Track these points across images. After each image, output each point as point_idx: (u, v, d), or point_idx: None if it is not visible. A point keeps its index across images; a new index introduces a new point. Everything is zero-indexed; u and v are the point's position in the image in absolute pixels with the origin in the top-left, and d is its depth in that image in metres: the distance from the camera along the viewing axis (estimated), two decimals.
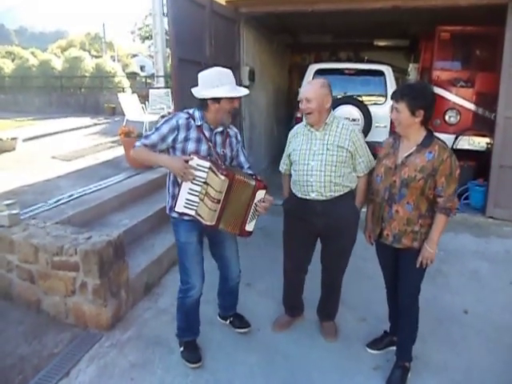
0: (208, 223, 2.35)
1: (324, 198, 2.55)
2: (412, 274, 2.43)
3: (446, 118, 5.38)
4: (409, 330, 2.50)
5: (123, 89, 14.64)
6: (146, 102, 9.28)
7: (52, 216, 3.47)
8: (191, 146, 2.38)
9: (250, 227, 2.46)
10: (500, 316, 3.20)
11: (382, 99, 5.96)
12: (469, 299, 3.41)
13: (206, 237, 2.68)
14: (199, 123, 2.41)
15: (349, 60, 9.30)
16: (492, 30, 5.34)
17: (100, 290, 2.75)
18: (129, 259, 3.17)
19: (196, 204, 2.34)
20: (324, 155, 2.52)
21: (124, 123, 8.06)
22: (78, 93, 15.22)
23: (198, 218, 2.36)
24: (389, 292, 2.73)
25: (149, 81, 18.81)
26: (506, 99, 4.69)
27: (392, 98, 2.30)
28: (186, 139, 2.38)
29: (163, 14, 11.34)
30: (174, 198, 2.38)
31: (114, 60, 20.32)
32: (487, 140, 5.22)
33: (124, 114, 8.80)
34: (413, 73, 6.84)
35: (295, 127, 2.77)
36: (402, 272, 2.46)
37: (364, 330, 2.99)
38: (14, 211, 3.12)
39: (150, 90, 10.07)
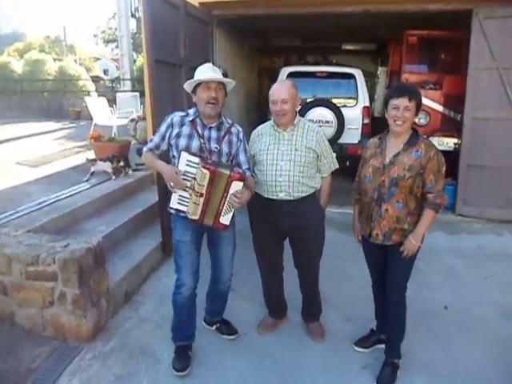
0: (193, 217, 2.34)
1: (291, 198, 2.56)
2: (400, 269, 2.47)
3: (416, 119, 5.48)
4: (397, 326, 2.53)
5: (88, 92, 14.24)
6: (114, 106, 9.07)
7: (24, 224, 3.30)
8: (182, 142, 2.42)
9: (224, 220, 2.38)
10: (478, 310, 3.30)
11: (353, 102, 6.07)
12: (447, 295, 3.50)
13: (206, 235, 2.63)
14: (191, 118, 2.44)
15: (317, 63, 9.42)
16: (457, 34, 5.56)
17: (80, 300, 2.63)
18: (107, 267, 3.06)
19: (188, 200, 2.33)
20: (293, 155, 2.53)
21: (92, 127, 7.84)
22: (40, 96, 14.65)
23: (187, 213, 2.35)
24: (375, 290, 2.75)
25: (112, 84, 18.42)
26: (473, 100, 4.88)
27: (400, 97, 2.27)
28: (178, 135, 2.43)
29: (132, 15, 11.14)
30: None
31: (76, 63, 19.74)
32: (455, 140, 5.41)
33: (91, 118, 8.56)
34: (382, 76, 7.01)
35: (259, 128, 2.75)
36: (391, 268, 2.48)
37: (350, 330, 3.01)
38: None
39: (118, 94, 9.89)
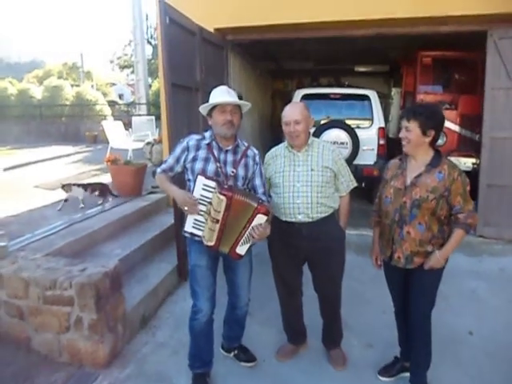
0: (208, 243, 2.31)
1: (310, 220, 2.51)
2: (425, 294, 2.39)
3: None
4: (423, 353, 2.44)
5: (105, 117, 14.54)
6: (130, 129, 9.22)
7: (41, 247, 3.31)
8: (198, 166, 2.40)
9: (241, 250, 2.35)
10: (505, 336, 3.17)
11: (369, 123, 6.05)
12: (471, 320, 3.38)
13: (222, 259, 2.60)
14: (208, 141, 2.44)
15: (330, 85, 9.50)
16: (471, 54, 5.56)
17: (97, 326, 2.60)
18: (124, 291, 3.03)
19: (203, 224, 2.31)
20: (309, 176, 2.50)
21: (108, 151, 7.96)
22: (58, 121, 15.00)
23: (202, 238, 2.33)
24: (398, 315, 2.67)
25: (127, 109, 18.80)
26: (490, 120, 4.82)
27: (402, 117, 2.30)
28: (194, 159, 2.42)
29: (148, 42, 11.44)
30: None
31: (93, 89, 20.24)
32: (473, 160, 5.34)
33: (107, 142, 8.70)
34: (396, 97, 7.01)
35: (273, 150, 2.73)
36: (415, 292, 2.41)
37: (372, 357, 2.91)
38: (2, 243, 2.96)
39: (133, 118, 10.05)
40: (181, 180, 2.53)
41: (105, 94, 22.24)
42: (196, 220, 2.34)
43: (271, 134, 9.48)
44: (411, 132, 2.26)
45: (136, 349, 2.94)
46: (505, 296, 3.79)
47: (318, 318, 2.89)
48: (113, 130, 8.60)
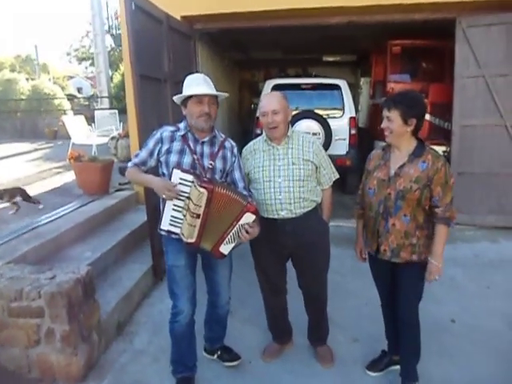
0: (188, 240, 2.16)
1: (293, 216, 2.41)
2: (412, 288, 2.35)
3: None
4: (413, 347, 2.40)
5: (65, 111, 13.88)
6: (93, 124, 8.82)
7: (2, 254, 3.04)
8: (173, 159, 2.26)
9: (225, 249, 2.21)
10: (486, 322, 3.20)
11: (340, 113, 6.02)
12: (453, 307, 3.40)
13: (200, 257, 2.46)
14: (183, 132, 2.29)
15: (297, 76, 9.43)
16: (440, 43, 5.60)
17: (70, 337, 2.41)
18: (97, 297, 2.84)
19: (181, 221, 2.17)
20: (291, 170, 2.39)
21: (70, 147, 7.57)
22: (13, 117, 14.21)
23: (181, 236, 2.18)
24: (385, 309, 2.62)
25: (88, 102, 18.11)
26: (460, 108, 4.87)
27: (383, 107, 2.22)
28: (169, 151, 2.27)
29: (109, 32, 10.96)
30: None
31: (49, 82, 19.33)
32: (443, 148, 5.39)
33: (68, 138, 8.29)
34: (365, 86, 7.02)
35: (250, 143, 2.59)
36: (402, 287, 2.35)
37: (359, 351, 2.86)
38: None
39: (96, 112, 9.62)
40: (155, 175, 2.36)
41: (62, 88, 21.31)
42: (173, 217, 2.20)
43: (239, 125, 9.35)
44: (393, 122, 2.19)
45: (113, 358, 2.76)
46: (482, 282, 3.85)
47: (302, 314, 2.81)
48: (74, 125, 8.19)
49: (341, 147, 6.02)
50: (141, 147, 3.48)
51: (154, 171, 2.36)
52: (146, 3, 3.59)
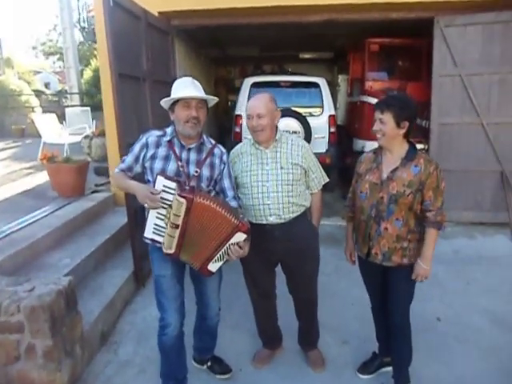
0: (168, 251, 2.08)
1: (282, 221, 2.35)
2: (404, 291, 2.35)
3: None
4: (405, 350, 2.40)
5: (33, 108, 13.33)
6: (64, 122, 8.51)
7: None
8: (158, 165, 2.17)
9: (213, 267, 2.14)
10: (469, 319, 3.27)
11: (319, 111, 6.01)
12: (437, 305, 3.45)
13: (189, 267, 2.36)
14: (169, 138, 2.20)
15: (274, 73, 9.39)
16: (417, 41, 5.66)
17: (53, 352, 2.28)
18: (79, 307, 2.72)
19: (164, 229, 2.08)
20: (279, 174, 2.33)
21: (41, 146, 7.28)
22: None
23: (162, 245, 2.10)
24: (375, 312, 2.61)
25: (56, 99, 17.50)
26: (438, 107, 4.94)
27: (376, 109, 2.20)
28: (153, 157, 2.19)
29: (80, 27, 10.60)
30: None
31: (15, 77, 18.56)
32: (421, 146, 5.46)
33: (38, 136, 7.97)
34: (343, 84, 7.03)
35: (238, 146, 2.52)
36: (393, 291, 2.35)
37: (349, 353, 2.86)
38: None
39: (67, 109, 9.29)
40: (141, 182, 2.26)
41: (29, 83, 20.52)
42: (156, 225, 2.11)
43: (215, 122, 9.23)
44: (385, 124, 2.17)
45: (98, 370, 2.65)
46: (462, 278, 3.92)
47: (292, 318, 2.77)
48: (45, 123, 7.86)
49: (320, 145, 6.01)
50: (121, 147, 3.40)
51: (141, 177, 2.27)
52: None
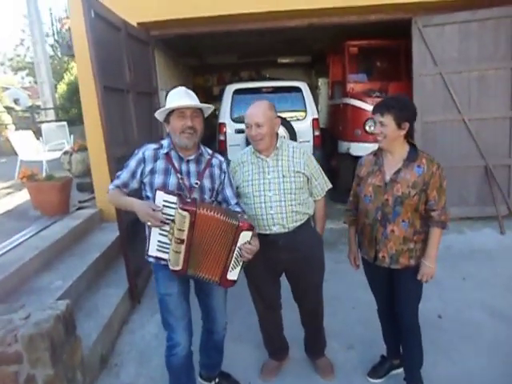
0: (175, 268, 2.00)
1: (286, 231, 2.31)
2: (412, 292, 2.33)
3: (366, 127, 5.58)
4: (416, 351, 2.38)
5: (6, 125, 12.94)
6: (40, 138, 8.28)
7: None
8: (158, 180, 2.10)
9: (233, 275, 2.07)
10: (470, 314, 3.29)
11: (302, 115, 6.00)
12: (436, 303, 3.46)
13: (193, 282, 2.31)
14: (166, 150, 2.14)
15: (251, 79, 9.37)
16: (395, 42, 5.74)
17: (54, 381, 2.16)
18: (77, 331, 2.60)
19: (168, 246, 2.01)
20: (281, 183, 2.29)
21: (18, 164, 7.06)
22: None
23: (168, 262, 2.02)
24: (382, 314, 2.59)
25: (27, 115, 17.07)
26: (421, 106, 4.98)
27: (375, 113, 2.18)
28: (153, 172, 2.12)
29: (54, 41, 10.37)
30: None
31: None
32: None
33: (13, 154, 7.73)
34: (323, 87, 7.07)
35: (238, 155, 2.47)
36: (402, 293, 2.33)
37: (356, 358, 2.83)
38: None
39: (43, 125, 9.04)
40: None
41: None
42: (160, 242, 2.04)
43: None
44: (386, 127, 2.15)
45: None
46: (458, 274, 3.95)
47: (297, 326, 2.73)
48: (21, 140, 7.62)
49: (306, 149, 5.99)
50: (109, 161, 3.29)
51: (139, 194, 2.19)
52: (104, 10, 3.37)
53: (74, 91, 11.39)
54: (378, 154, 2.33)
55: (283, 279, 2.56)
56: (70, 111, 11.54)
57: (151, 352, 2.96)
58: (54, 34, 10.86)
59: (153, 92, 4.73)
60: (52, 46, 15.07)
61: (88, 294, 3.34)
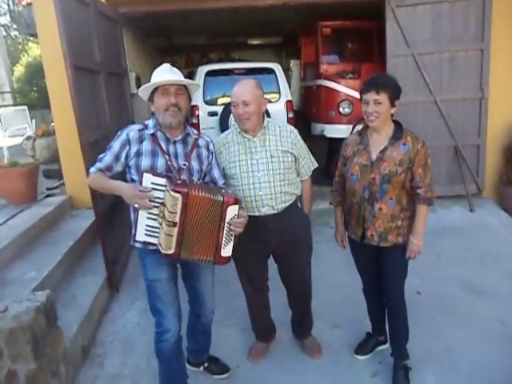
0: (167, 252, 1.93)
1: (275, 212, 2.28)
2: (399, 269, 2.38)
3: (340, 109, 5.59)
4: (402, 328, 2.42)
5: None
6: (0, 124, 7.84)
7: None
8: (145, 162, 2.02)
9: (226, 252, 2.01)
10: (446, 289, 3.41)
11: (276, 96, 5.94)
12: (414, 279, 3.50)
13: (180, 267, 2.24)
14: (152, 131, 2.05)
15: (221, 60, 9.20)
16: (368, 23, 5.74)
17: (38, 376, 2.07)
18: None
19: (157, 230, 1.95)
20: (270, 163, 2.25)
21: None
22: None
23: (159, 246, 1.96)
24: (368, 293, 2.62)
25: None
26: None
27: (368, 91, 2.14)
28: (139, 154, 2.02)
29: (11, 20, 9.78)
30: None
31: None
32: None
33: None
34: (295, 69, 7.01)
35: (223, 135, 2.41)
36: (389, 270, 2.36)
37: (342, 336, 2.87)
38: None
39: (0, 110, 8.55)
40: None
41: None
42: (148, 226, 1.97)
43: None
44: (381, 105, 2.14)
45: None
46: (433, 251, 4.06)
47: (283, 308, 2.73)
48: None
49: None
50: (83, 145, 3.14)
51: (123, 177, 2.09)
52: None
53: (33, 73, 10.85)
54: (362, 133, 2.33)
55: (269, 261, 2.54)
56: (29, 95, 10.97)
57: (134, 341, 2.89)
58: (6, 13, 10.20)
59: (123, 73, 4.53)
60: (4, 26, 14.15)
61: (64, 284, 3.22)
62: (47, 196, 4.79)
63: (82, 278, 3.36)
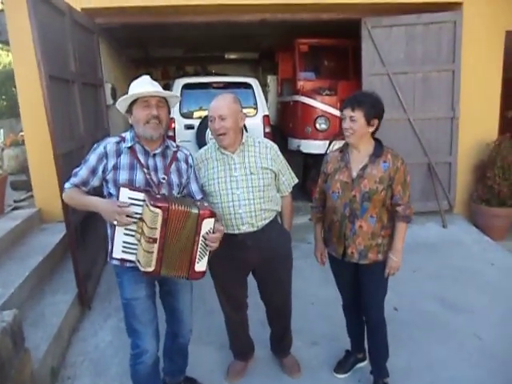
0: (147, 269, 1.86)
1: (255, 229, 2.24)
2: (379, 286, 2.38)
3: (317, 125, 5.64)
4: (382, 346, 2.42)
5: None
6: None
7: None
8: (123, 176, 1.95)
9: (200, 266, 1.94)
10: (423, 305, 3.43)
11: (253, 111, 5.96)
12: (391, 296, 3.43)
13: (158, 284, 2.17)
14: (130, 144, 1.99)
15: (197, 74, 9.18)
16: (345, 42, 5.87)
17: None
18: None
19: (135, 246, 1.89)
20: (249, 180, 2.21)
21: None
22: None
23: (137, 263, 1.89)
24: (347, 310, 2.61)
25: None
26: None
27: (345, 107, 2.17)
28: (116, 167, 1.96)
29: None
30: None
31: None
32: None
33: None
34: (272, 84, 7.07)
35: (202, 151, 2.36)
36: (369, 287, 2.36)
37: (321, 354, 2.84)
38: None
39: None
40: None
41: None
42: (126, 242, 1.90)
43: None
44: (356, 122, 2.16)
45: None
46: (408, 267, 4.04)
47: (262, 326, 2.69)
48: None
49: None
50: (56, 158, 3.02)
51: (99, 192, 2.02)
52: None
53: (1, 81, 10.53)
54: (343, 150, 2.34)
55: (248, 278, 2.49)
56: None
57: (107, 361, 2.77)
58: None
59: (98, 84, 4.44)
60: None
61: (32, 302, 3.06)
62: (15, 208, 4.61)
63: (52, 296, 3.21)
